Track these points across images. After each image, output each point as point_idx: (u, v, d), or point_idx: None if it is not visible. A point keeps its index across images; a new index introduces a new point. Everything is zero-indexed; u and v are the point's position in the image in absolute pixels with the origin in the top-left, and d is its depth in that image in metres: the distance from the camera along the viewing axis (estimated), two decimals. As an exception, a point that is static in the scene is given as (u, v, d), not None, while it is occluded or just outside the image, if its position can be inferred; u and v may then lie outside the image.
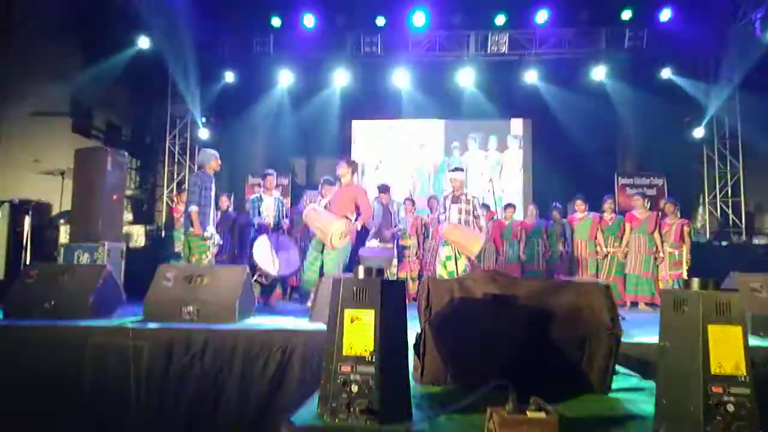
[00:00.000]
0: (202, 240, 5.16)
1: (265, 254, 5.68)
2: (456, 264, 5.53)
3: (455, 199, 5.71)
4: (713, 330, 1.44)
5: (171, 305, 3.95)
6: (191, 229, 5.14)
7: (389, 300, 1.57)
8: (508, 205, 7.82)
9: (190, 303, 3.94)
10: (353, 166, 5.34)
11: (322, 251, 5.08)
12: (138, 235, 8.28)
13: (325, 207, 5.27)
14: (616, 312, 2.02)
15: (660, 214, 6.91)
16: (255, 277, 5.54)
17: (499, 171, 10.77)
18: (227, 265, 5.81)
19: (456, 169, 5.78)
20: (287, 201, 6.81)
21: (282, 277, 5.94)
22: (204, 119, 10.06)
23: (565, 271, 7.09)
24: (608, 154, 10.24)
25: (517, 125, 10.92)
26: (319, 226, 4.97)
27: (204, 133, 10.09)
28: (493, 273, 2.00)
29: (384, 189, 7.30)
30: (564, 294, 2.02)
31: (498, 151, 10.86)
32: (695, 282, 1.52)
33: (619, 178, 9.86)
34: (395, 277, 6.41)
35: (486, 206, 7.86)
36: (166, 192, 10.06)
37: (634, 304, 6.64)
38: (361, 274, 1.63)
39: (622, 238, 6.85)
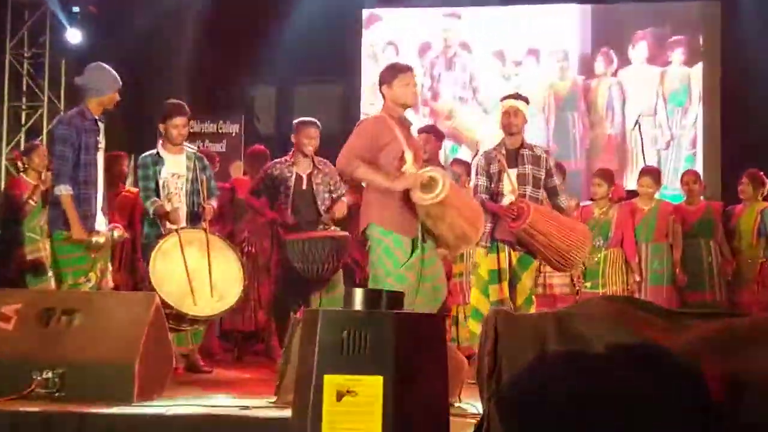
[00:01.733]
0: (83, 249, 5.20)
1: (170, 274, 5.65)
2: (513, 286, 5.51)
3: (514, 157, 5.67)
4: None
5: (12, 368, 4.00)
6: (63, 230, 5.18)
7: (413, 355, 1.58)
8: (646, 171, 7.70)
9: (48, 364, 3.98)
10: None
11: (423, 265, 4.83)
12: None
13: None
14: None
15: None
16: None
17: (685, 104, 10.49)
18: (120, 292, 5.85)
19: (512, 97, 5.73)
20: (237, 167, 6.79)
21: (209, 318, 5.91)
22: (77, 8, 9.95)
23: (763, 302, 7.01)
24: None
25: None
26: (467, 215, 4.81)
27: (75, 36, 9.99)
28: (626, 300, 2.01)
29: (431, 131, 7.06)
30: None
31: (685, 65, 10.64)
32: None
33: None
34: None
35: (605, 174, 7.69)
36: (5, 150, 10.08)
37: None
38: (358, 303, 1.63)
39: None
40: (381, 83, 4.94)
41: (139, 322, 4.16)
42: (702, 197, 7.60)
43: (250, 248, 6.95)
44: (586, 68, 10.61)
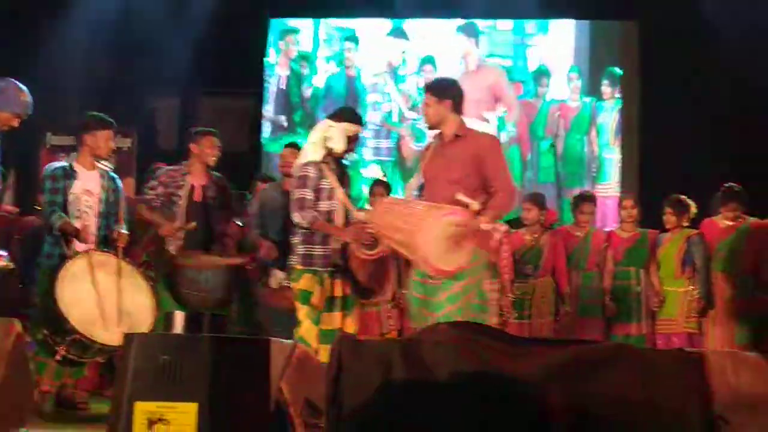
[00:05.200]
0: None
1: (78, 298, 5.57)
2: None
3: None
4: None
5: None
6: None
7: (232, 382, 1.58)
8: (583, 198, 7.76)
9: None
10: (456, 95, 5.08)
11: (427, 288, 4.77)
12: None
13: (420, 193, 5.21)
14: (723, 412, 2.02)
15: None
16: (61, 352, 5.40)
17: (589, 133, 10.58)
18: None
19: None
20: (129, 184, 6.68)
21: (119, 348, 5.82)
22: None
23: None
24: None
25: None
26: (400, 239, 4.69)
27: None
28: (471, 327, 2.02)
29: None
30: (616, 372, 2.03)
31: (594, 96, 10.69)
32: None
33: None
34: None
35: (535, 198, 7.69)
36: None
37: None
38: (177, 327, 1.63)
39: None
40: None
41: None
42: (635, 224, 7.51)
43: (150, 274, 6.67)
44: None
